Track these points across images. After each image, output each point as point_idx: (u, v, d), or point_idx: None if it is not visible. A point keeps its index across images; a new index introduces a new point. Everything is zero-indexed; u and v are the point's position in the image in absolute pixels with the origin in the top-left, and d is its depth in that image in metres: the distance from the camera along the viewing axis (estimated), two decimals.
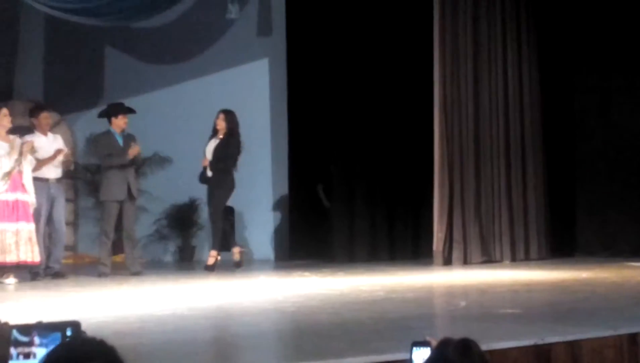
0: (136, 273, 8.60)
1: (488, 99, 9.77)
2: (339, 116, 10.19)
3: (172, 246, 9.44)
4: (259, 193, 10.99)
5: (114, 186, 8.62)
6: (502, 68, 9.86)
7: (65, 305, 6.48)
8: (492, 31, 9.79)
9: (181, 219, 9.56)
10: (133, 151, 8.65)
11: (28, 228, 7.99)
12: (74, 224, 11.35)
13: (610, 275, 7.77)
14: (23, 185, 8.07)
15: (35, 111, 8.84)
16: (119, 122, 8.80)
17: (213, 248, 9.09)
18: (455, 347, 2.28)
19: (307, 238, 10.58)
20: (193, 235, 11.10)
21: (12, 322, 2.46)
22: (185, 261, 10.60)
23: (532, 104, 10.01)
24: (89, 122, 9.25)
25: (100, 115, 9.11)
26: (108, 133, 8.85)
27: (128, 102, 10.41)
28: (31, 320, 2.42)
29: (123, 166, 8.65)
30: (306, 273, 8.53)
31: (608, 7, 10.01)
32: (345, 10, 10.15)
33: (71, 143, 10.60)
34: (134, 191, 8.72)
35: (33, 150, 8.14)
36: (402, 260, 9.85)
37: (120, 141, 8.80)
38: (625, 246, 9.68)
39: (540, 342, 4.17)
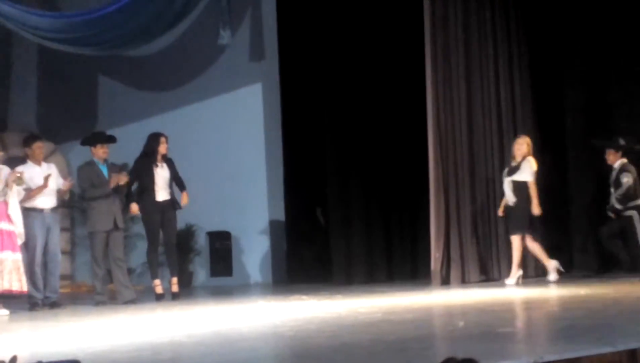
0: (129, 302, 8.56)
1: (481, 117, 9.79)
2: (334, 138, 10.20)
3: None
4: (255, 217, 10.98)
5: (100, 217, 8.63)
6: (494, 87, 9.89)
7: (63, 335, 6.46)
8: (484, 50, 9.83)
9: (178, 246, 9.55)
10: (114, 180, 8.64)
11: (13, 258, 7.96)
12: (70, 253, 11.32)
13: (609, 291, 7.77)
14: (8, 216, 8.05)
15: (28, 141, 8.82)
16: (98, 152, 8.80)
17: (175, 275, 9.06)
18: None
19: (305, 261, 10.56)
20: (190, 261, 11.07)
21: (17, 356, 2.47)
22: (183, 288, 10.57)
23: (525, 123, 10.03)
24: (84, 151, 9.25)
25: (83, 143, 9.12)
26: (91, 163, 8.84)
27: (122, 130, 10.45)
28: (30, 356, 2.43)
29: (107, 196, 8.65)
30: (304, 297, 8.50)
31: (599, 22, 10.06)
32: (337, 34, 10.19)
33: (66, 171, 10.61)
34: (119, 222, 8.72)
35: (20, 181, 8.11)
36: (400, 281, 9.83)
37: (105, 171, 8.79)
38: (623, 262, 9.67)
39: (539, 360, 4.16)
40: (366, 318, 6.57)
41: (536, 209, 8.99)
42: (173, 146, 9.53)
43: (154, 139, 9.07)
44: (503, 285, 9.03)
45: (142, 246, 9.94)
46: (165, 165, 9.06)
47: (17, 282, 7.95)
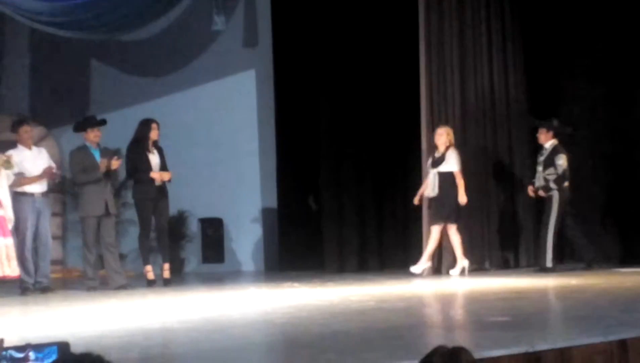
0: (120, 287, 8.54)
1: (475, 106, 9.79)
2: (327, 125, 10.19)
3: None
4: (248, 204, 10.97)
5: (91, 202, 8.60)
6: (488, 76, 9.87)
7: (54, 320, 6.44)
8: (478, 38, 9.80)
9: (170, 232, 9.54)
10: (103, 164, 8.61)
11: (5, 243, 7.94)
12: (62, 238, 11.30)
13: (600, 282, 7.79)
14: None
15: (16, 125, 8.79)
16: (90, 136, 8.77)
17: (167, 261, 9.06)
18: (441, 355, 2.28)
19: (297, 248, 10.56)
20: (182, 247, 11.06)
21: (5, 339, 2.46)
22: (175, 274, 10.57)
23: (519, 112, 10.03)
24: (76, 135, 9.22)
25: (75, 130, 9.09)
26: (83, 148, 8.81)
27: (115, 115, 10.40)
28: (20, 340, 2.42)
29: (99, 181, 8.63)
30: (296, 284, 8.51)
31: (593, 15, 10.05)
32: (331, 20, 10.17)
33: (58, 156, 10.57)
34: (111, 207, 8.70)
35: (8, 165, 8.07)
36: (392, 269, 9.84)
37: (97, 155, 8.76)
38: (613, 252, 9.70)
39: (530, 349, 4.16)
40: (358, 306, 6.58)
41: (463, 199, 9.01)
42: (166, 131, 9.51)
43: (145, 126, 9.04)
44: (493, 272, 9.03)
45: (134, 232, 9.92)
46: (156, 151, 9.05)
47: (8, 268, 7.93)
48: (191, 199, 10.78)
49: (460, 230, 9.14)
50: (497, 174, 9.90)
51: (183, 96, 11.28)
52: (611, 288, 7.29)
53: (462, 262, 9.07)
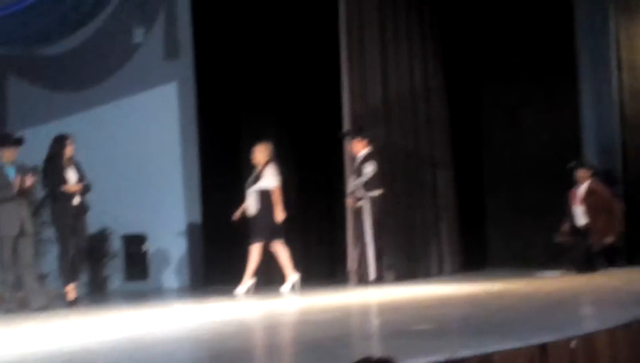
0: (40, 309, 8.31)
1: (398, 116, 9.87)
2: (250, 138, 10.14)
3: (83, 277, 9.23)
4: (171, 219, 10.85)
5: (6, 222, 8.35)
6: (408, 83, 9.96)
7: None
8: (400, 48, 9.89)
9: (92, 250, 9.35)
10: (17, 182, 8.38)
11: None
12: None
13: (520, 287, 7.92)
14: None
15: None
16: (5, 154, 8.52)
17: (76, 279, 8.85)
18: None
19: (223, 263, 10.47)
20: (104, 265, 10.86)
21: None
22: (97, 292, 10.37)
23: (440, 118, 10.15)
24: None
25: None
26: None
27: (34, 131, 10.16)
28: None
29: (13, 200, 8.38)
30: (221, 299, 8.43)
31: (511, 20, 10.25)
32: (253, 30, 10.16)
33: None
34: (28, 227, 8.45)
35: None
36: (318, 280, 9.84)
37: (12, 173, 8.52)
38: (535, 255, 9.90)
39: (453, 356, 4.19)
40: (284, 319, 6.54)
41: (279, 216, 8.90)
42: (86, 147, 9.34)
43: (58, 142, 8.82)
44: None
45: (54, 250, 9.69)
46: (73, 167, 8.85)
47: None
48: (113, 216, 10.60)
49: (286, 244, 8.98)
50: (420, 186, 9.97)
51: (104, 110, 11.11)
52: (531, 293, 7.42)
53: (292, 277, 8.94)
